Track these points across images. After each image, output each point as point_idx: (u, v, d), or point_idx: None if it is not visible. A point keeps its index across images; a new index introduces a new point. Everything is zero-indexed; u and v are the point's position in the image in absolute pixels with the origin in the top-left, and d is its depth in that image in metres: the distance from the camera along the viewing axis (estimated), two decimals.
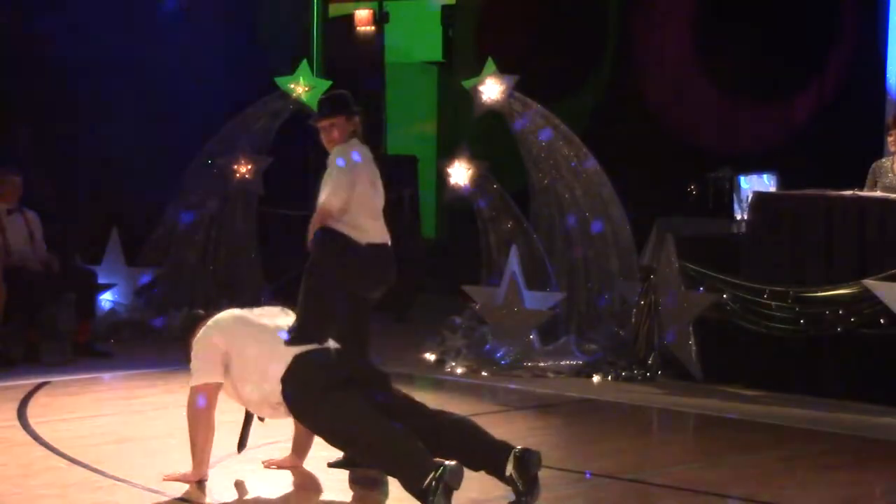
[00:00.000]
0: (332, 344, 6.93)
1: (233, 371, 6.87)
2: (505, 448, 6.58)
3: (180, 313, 11.89)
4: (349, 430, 6.58)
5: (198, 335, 6.96)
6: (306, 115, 12.19)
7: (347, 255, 7.18)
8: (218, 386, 6.88)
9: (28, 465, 7.35)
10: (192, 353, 6.95)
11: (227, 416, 7.14)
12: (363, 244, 7.20)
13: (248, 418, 7.17)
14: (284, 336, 6.84)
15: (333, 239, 7.14)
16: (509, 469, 6.50)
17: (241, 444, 7.17)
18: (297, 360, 6.74)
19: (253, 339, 6.87)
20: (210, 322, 7.00)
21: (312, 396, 6.67)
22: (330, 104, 7.47)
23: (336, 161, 7.26)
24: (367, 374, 6.93)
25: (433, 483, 6.22)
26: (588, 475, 7.45)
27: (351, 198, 7.20)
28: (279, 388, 6.73)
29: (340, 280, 7.19)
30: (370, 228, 7.27)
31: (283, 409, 6.81)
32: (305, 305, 7.01)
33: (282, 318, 7.02)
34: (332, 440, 6.76)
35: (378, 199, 7.41)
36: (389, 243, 7.37)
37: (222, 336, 6.90)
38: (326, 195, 7.16)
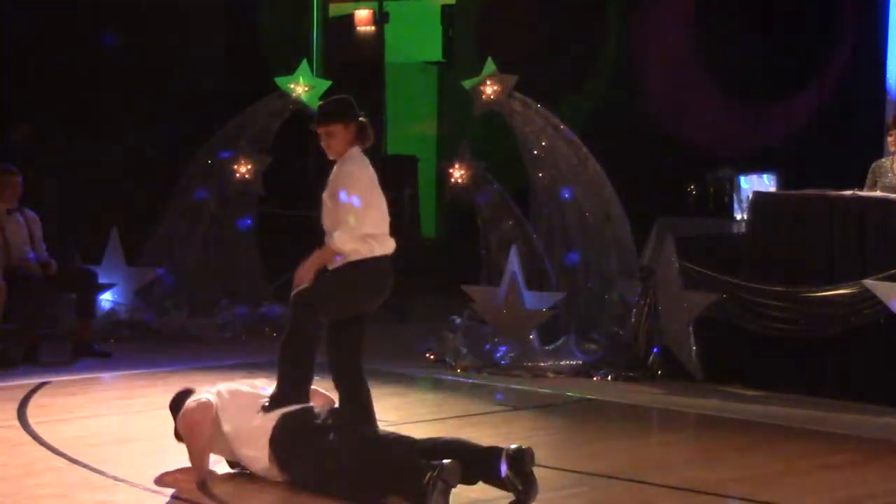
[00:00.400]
0: (312, 404, 7.04)
1: (228, 435, 6.99)
2: (496, 451, 6.57)
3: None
4: (341, 468, 6.63)
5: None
6: (306, 115, 12.23)
7: (336, 292, 7.14)
8: (211, 405, 7.00)
9: (28, 464, 7.35)
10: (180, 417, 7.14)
11: None
12: (357, 260, 7.13)
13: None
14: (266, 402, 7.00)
15: (311, 304, 7.07)
16: (504, 469, 6.50)
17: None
18: (281, 421, 6.86)
19: (241, 404, 7.02)
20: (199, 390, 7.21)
21: (298, 453, 6.78)
22: (327, 111, 7.33)
23: (339, 195, 7.10)
24: (350, 416, 7.07)
25: (431, 482, 6.22)
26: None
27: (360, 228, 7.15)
28: (267, 451, 6.85)
29: (337, 308, 7.19)
30: (378, 241, 7.19)
31: (275, 469, 6.91)
32: (283, 370, 7.06)
33: (267, 387, 7.17)
34: (332, 489, 6.71)
35: (386, 212, 7.34)
36: (390, 253, 7.30)
37: (215, 398, 7.06)
38: (339, 237, 7.07)
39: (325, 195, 7.21)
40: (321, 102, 7.59)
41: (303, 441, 6.80)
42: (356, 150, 7.25)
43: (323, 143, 7.30)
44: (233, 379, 7.61)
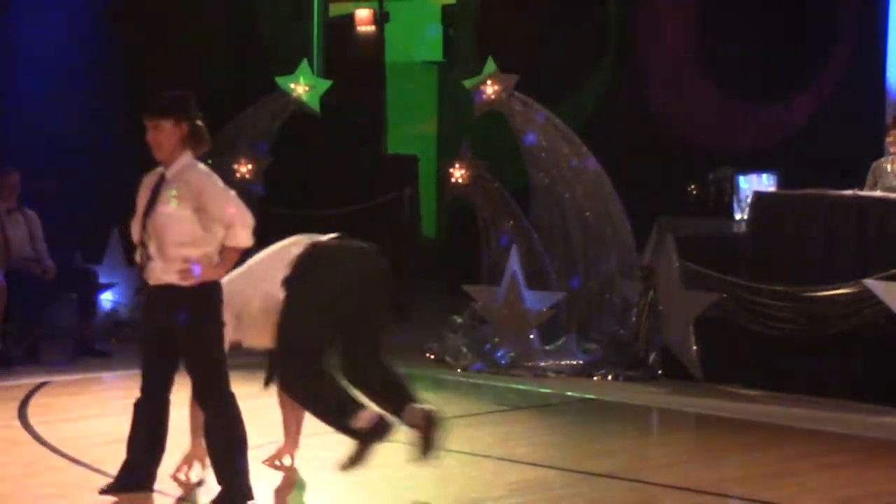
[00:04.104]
0: None
1: (243, 320, 7.17)
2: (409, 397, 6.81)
3: None
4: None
5: None
6: (307, 114, 12.24)
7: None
8: None
9: (29, 464, 7.36)
10: None
11: None
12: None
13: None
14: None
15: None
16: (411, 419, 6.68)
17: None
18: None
19: (246, 281, 7.23)
20: None
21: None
22: (159, 102, 6.51)
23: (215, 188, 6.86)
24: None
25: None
26: None
27: None
28: (281, 292, 7.06)
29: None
30: None
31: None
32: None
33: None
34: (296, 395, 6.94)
35: None
36: None
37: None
38: (243, 231, 6.93)
39: (179, 207, 6.73)
40: (157, 94, 6.64)
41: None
42: (188, 157, 6.81)
43: (149, 139, 6.59)
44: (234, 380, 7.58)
